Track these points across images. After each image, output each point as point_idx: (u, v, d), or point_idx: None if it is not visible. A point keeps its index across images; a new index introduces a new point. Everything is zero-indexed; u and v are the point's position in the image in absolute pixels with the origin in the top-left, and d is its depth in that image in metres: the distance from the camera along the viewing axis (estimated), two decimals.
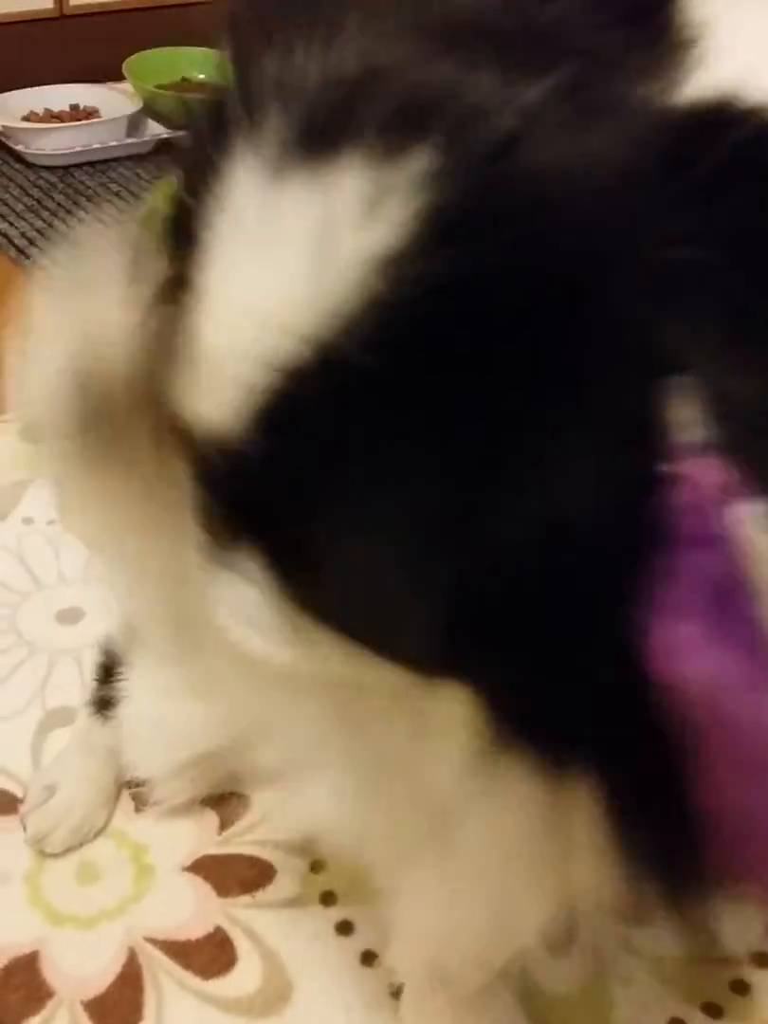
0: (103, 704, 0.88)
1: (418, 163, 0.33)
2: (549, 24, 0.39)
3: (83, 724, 0.92)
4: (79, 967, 0.80)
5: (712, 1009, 0.76)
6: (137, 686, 0.83)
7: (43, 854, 0.86)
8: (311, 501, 0.37)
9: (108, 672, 0.87)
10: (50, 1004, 0.78)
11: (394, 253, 0.33)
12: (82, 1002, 0.78)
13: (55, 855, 0.86)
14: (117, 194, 1.93)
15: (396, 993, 0.77)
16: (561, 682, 0.36)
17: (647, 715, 0.33)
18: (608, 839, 0.37)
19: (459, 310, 0.33)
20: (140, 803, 0.90)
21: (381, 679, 0.41)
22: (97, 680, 0.90)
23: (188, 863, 0.86)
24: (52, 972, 0.80)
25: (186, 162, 0.40)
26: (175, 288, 0.38)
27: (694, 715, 0.32)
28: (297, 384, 0.35)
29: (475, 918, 0.60)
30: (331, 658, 0.40)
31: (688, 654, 0.32)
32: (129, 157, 1.99)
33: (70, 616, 1.09)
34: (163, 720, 0.81)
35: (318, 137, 0.35)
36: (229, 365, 0.36)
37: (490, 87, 0.35)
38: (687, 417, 0.32)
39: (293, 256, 0.34)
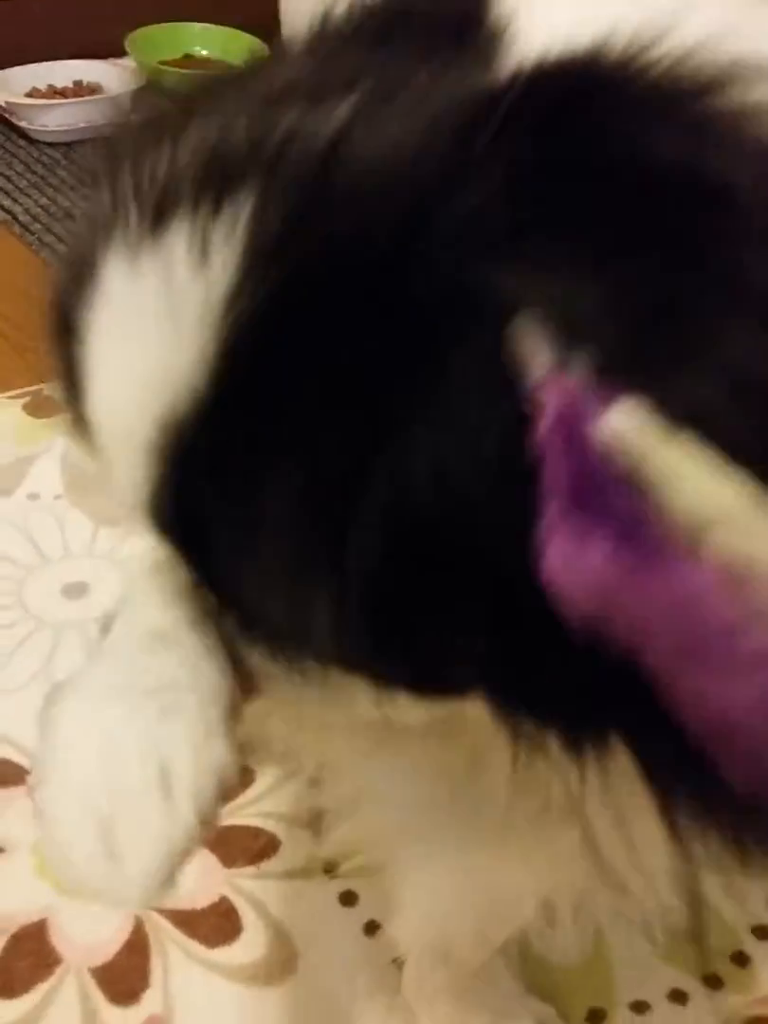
0: None
1: (235, 206, 0.36)
2: (367, 59, 0.41)
3: None
4: (86, 935, 0.81)
5: (713, 981, 0.77)
6: None
7: None
8: (216, 547, 0.39)
9: None
10: (58, 971, 0.79)
11: (228, 292, 0.35)
12: (90, 969, 0.79)
13: None
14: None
15: (399, 963, 0.78)
16: (532, 654, 0.36)
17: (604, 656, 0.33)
18: (661, 809, 0.37)
19: (298, 325, 0.35)
20: None
21: (413, 717, 0.42)
22: None
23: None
24: (60, 940, 0.81)
25: (66, 265, 0.42)
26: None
27: (612, 625, 0.32)
28: (170, 439, 0.37)
29: (473, 896, 0.61)
30: (362, 702, 0.41)
31: (580, 559, 0.31)
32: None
33: (76, 590, 1.09)
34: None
35: (158, 215, 0.37)
36: (116, 433, 0.40)
37: (298, 118, 0.37)
38: (539, 348, 0.32)
39: (146, 324, 0.37)
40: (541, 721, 0.37)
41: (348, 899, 0.83)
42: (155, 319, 0.37)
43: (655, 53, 0.36)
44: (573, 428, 0.31)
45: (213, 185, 0.37)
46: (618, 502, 0.31)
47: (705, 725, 0.32)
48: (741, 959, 0.78)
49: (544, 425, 0.32)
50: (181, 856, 0.43)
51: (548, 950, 0.80)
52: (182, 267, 0.36)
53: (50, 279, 0.43)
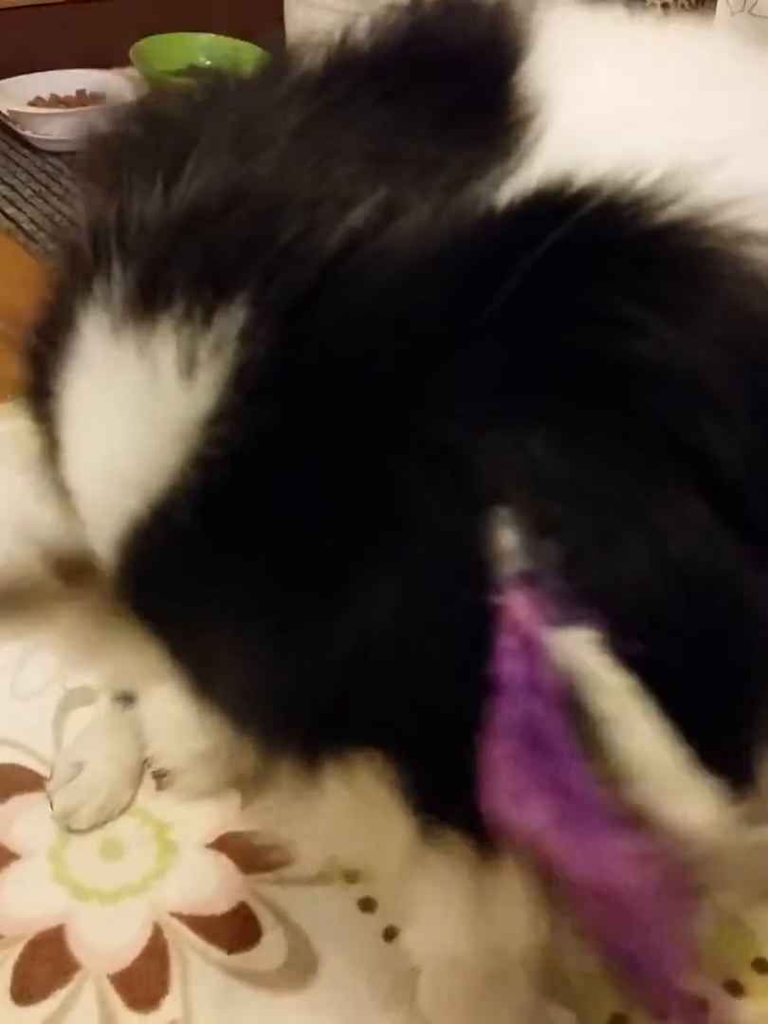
0: (122, 695, 0.89)
1: (226, 323, 0.35)
2: (374, 135, 0.38)
3: (105, 705, 0.93)
4: (105, 941, 0.81)
5: (734, 987, 0.77)
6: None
7: (69, 831, 0.87)
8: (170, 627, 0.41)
9: None
10: (77, 977, 0.79)
11: (209, 414, 0.35)
12: (109, 975, 0.79)
13: (81, 832, 0.87)
14: None
15: (417, 970, 0.78)
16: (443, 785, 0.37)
17: None
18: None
19: (273, 462, 0.35)
20: (162, 783, 0.90)
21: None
22: None
23: (211, 840, 0.87)
24: (78, 946, 0.81)
25: (46, 307, 0.42)
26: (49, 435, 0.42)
27: (545, 863, 0.34)
28: (137, 531, 0.38)
29: (484, 908, 0.61)
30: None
31: (519, 805, 0.33)
32: None
33: None
34: (183, 714, 0.82)
35: (144, 297, 0.36)
36: (89, 494, 0.40)
37: (297, 228, 0.35)
38: (510, 546, 0.33)
39: (125, 413, 0.37)
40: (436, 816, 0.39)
41: (367, 905, 0.83)
42: (136, 410, 0.37)
43: (678, 205, 0.34)
44: (531, 642, 0.32)
45: (206, 289, 0.35)
46: (559, 754, 0.32)
47: (615, 957, 0.36)
48: (762, 966, 0.78)
49: (508, 644, 0.32)
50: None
51: (566, 956, 0.80)
52: (167, 373, 0.36)
53: (32, 307, 0.43)
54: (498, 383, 0.33)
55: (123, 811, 0.89)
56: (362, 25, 0.43)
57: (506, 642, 0.32)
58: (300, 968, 0.79)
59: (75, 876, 0.85)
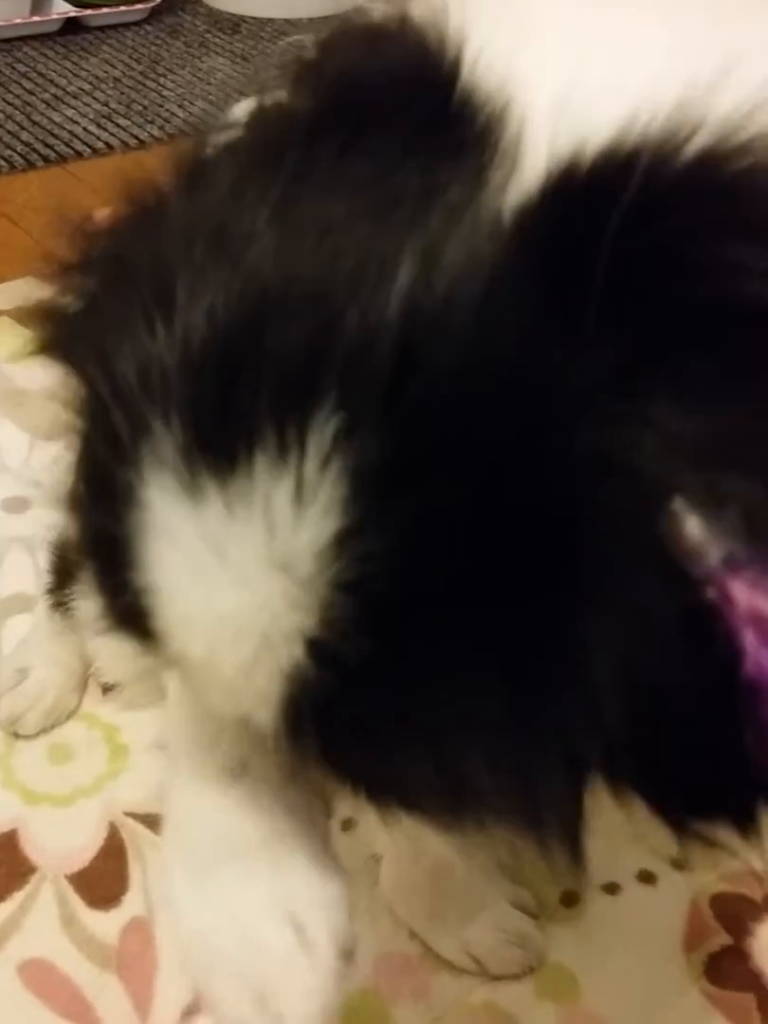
0: (61, 603, 0.87)
1: (320, 436, 0.31)
2: (352, 191, 0.34)
3: (44, 611, 0.91)
4: (60, 843, 0.81)
5: (680, 862, 0.80)
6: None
7: (15, 736, 0.86)
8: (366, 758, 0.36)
9: (62, 577, 0.86)
10: (33, 879, 0.79)
11: (341, 534, 0.31)
12: (66, 876, 0.79)
13: (27, 737, 0.86)
14: (24, 75, 1.85)
15: (377, 858, 0.79)
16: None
17: None
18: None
19: (433, 551, 0.31)
20: (108, 690, 0.90)
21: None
22: (52, 586, 0.88)
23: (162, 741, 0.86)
24: (32, 849, 0.80)
25: (82, 475, 0.38)
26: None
27: None
28: (300, 682, 0.34)
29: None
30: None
31: None
32: (35, 36, 1.91)
33: (17, 505, 1.07)
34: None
35: (211, 443, 0.32)
36: (222, 678, 0.35)
37: (349, 313, 0.31)
38: (700, 534, 0.30)
39: (241, 570, 0.33)
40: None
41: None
42: (254, 563, 0.32)
43: (704, 135, 0.32)
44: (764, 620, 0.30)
45: (282, 411, 0.31)
46: None
47: None
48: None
49: (734, 617, 0.30)
50: (335, 996, 0.45)
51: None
52: (277, 511, 0.31)
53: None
54: (624, 372, 0.31)
55: (70, 716, 0.88)
56: (267, 96, 0.39)
57: (746, 636, 0.30)
58: None
59: (23, 781, 0.84)
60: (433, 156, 0.34)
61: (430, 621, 0.32)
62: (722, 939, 0.78)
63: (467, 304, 0.31)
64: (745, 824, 0.34)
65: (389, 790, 0.38)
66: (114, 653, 0.83)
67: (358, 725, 0.34)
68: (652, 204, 0.31)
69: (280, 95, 0.40)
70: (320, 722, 0.35)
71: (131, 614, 0.36)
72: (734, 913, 0.79)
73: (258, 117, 0.40)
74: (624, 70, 0.34)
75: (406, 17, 0.38)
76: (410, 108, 0.35)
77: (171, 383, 0.33)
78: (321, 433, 0.31)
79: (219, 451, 0.32)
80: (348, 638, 0.32)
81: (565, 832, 0.35)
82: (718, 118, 0.32)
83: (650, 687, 0.32)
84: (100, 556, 0.38)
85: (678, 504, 0.30)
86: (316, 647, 0.33)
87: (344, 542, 0.31)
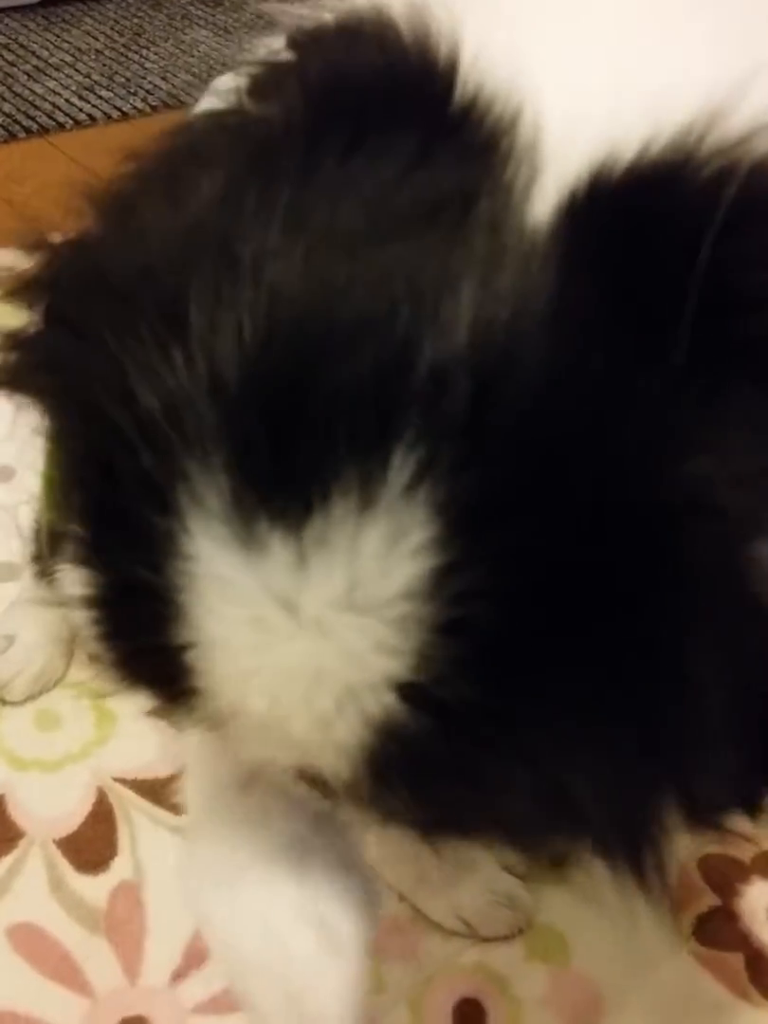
0: (46, 572, 0.87)
1: (401, 471, 0.29)
2: (372, 209, 0.32)
3: (30, 579, 0.91)
4: (48, 808, 0.81)
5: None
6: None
7: (3, 703, 0.86)
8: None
9: (46, 547, 0.85)
10: (22, 844, 0.78)
11: (433, 575, 0.29)
12: (55, 841, 0.79)
13: (14, 703, 0.86)
14: (6, 46, 1.83)
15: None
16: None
17: None
18: None
19: (531, 585, 0.30)
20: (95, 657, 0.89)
21: None
22: (36, 555, 0.88)
23: (150, 707, 0.86)
24: (20, 814, 0.80)
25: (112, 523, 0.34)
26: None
27: None
28: (393, 732, 0.32)
29: None
30: None
31: None
32: (17, 7, 1.89)
33: (2, 474, 1.06)
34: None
35: (275, 488, 0.30)
36: (305, 731, 0.33)
37: (430, 347, 0.29)
38: None
39: (320, 621, 0.31)
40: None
41: None
42: (334, 613, 0.30)
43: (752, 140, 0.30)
44: None
45: (357, 448, 0.29)
46: None
47: None
48: None
49: None
50: (363, 992, 0.46)
51: None
52: (362, 555, 0.29)
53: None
54: (705, 401, 0.30)
55: (58, 683, 0.88)
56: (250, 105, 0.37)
57: None
58: None
59: (11, 747, 0.84)
60: (444, 163, 0.32)
61: (533, 656, 0.30)
62: (711, 900, 0.79)
63: (536, 330, 0.29)
64: None
65: (472, 825, 0.37)
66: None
67: (455, 765, 0.32)
68: (746, 223, 0.29)
69: (248, 95, 0.38)
70: (411, 767, 0.33)
71: (163, 671, 0.34)
72: (722, 874, 0.80)
73: (227, 116, 0.37)
74: (633, 70, 0.33)
75: (387, 13, 0.36)
76: (408, 110, 0.33)
77: (204, 422, 0.30)
78: (401, 471, 0.29)
79: (283, 497, 0.30)
80: (447, 679, 0.30)
81: (656, 859, 0.35)
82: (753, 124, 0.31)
83: (754, 718, 0.32)
84: (124, 609, 0.34)
85: (760, 540, 0.30)
86: (410, 691, 0.31)
87: (441, 582, 0.29)
